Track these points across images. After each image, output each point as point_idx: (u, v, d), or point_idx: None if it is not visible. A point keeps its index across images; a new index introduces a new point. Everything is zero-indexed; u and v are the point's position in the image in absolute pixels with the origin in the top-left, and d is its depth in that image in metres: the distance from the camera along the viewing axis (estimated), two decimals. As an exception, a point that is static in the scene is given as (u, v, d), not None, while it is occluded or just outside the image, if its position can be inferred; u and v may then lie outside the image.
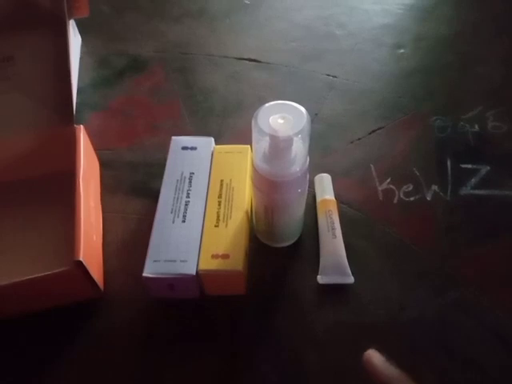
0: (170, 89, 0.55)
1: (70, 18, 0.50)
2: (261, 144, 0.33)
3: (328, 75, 0.55)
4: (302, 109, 0.32)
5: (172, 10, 0.64)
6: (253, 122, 0.32)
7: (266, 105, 0.32)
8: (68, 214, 0.37)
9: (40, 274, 0.34)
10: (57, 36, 0.48)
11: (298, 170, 0.34)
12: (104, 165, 0.47)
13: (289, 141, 0.32)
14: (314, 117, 0.51)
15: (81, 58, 0.58)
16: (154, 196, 0.41)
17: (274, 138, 0.32)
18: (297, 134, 0.32)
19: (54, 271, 0.34)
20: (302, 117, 0.32)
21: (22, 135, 0.43)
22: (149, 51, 0.59)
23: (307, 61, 0.57)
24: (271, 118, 0.32)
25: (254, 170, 0.35)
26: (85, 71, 0.57)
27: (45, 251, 0.40)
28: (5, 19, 0.50)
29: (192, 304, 0.38)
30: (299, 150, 0.34)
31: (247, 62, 0.57)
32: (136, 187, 0.46)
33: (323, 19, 0.62)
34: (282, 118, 0.32)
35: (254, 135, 0.33)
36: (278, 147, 0.33)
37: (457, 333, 0.37)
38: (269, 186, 0.35)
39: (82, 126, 0.43)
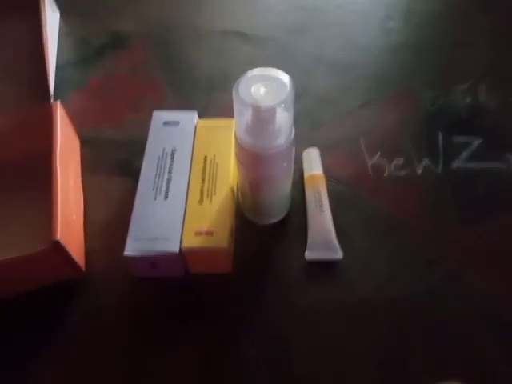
0: (153, 65, 0.53)
1: (45, -9, 0.48)
2: (243, 116, 0.32)
3: (316, 48, 0.54)
4: (285, 77, 0.31)
5: (154, -16, 0.62)
6: (234, 92, 0.30)
7: (248, 74, 0.31)
8: (47, 194, 0.36)
9: (18, 255, 0.33)
10: (31, 11, 0.46)
11: (282, 142, 0.32)
12: (85, 143, 0.46)
13: (271, 111, 0.31)
14: (302, 91, 0.49)
15: (59, 36, 0.56)
16: (136, 174, 0.40)
17: (256, 109, 0.30)
18: (279, 104, 0.30)
19: (32, 251, 0.33)
20: (284, 86, 0.30)
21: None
22: (130, 27, 0.57)
23: (294, 34, 0.55)
24: (253, 87, 0.30)
25: (238, 143, 0.33)
26: (64, 49, 0.55)
27: (24, 233, 0.39)
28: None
29: (177, 283, 0.37)
30: (283, 121, 0.32)
31: (233, 35, 0.55)
32: (118, 165, 0.44)
33: (311, -9, 0.60)
34: (264, 88, 0.30)
35: (236, 107, 0.31)
36: (261, 118, 0.31)
37: (444, 308, 0.36)
38: (253, 160, 0.34)
39: (58, 102, 0.41)
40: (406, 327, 0.35)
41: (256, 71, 0.31)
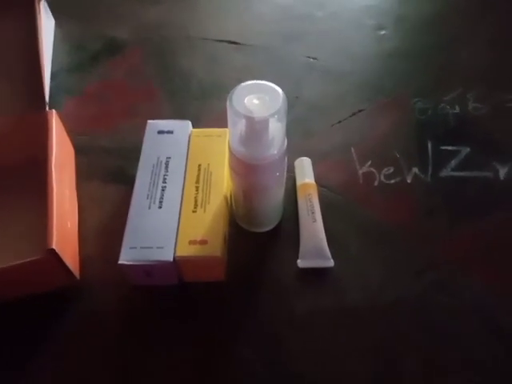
0: (147, 72, 0.53)
1: (40, -1, 0.48)
2: (237, 126, 0.33)
3: (308, 57, 0.54)
4: (278, 89, 0.31)
5: (149, -8, 0.62)
6: (228, 102, 0.31)
7: (242, 85, 0.32)
8: (41, 202, 0.36)
9: (13, 263, 0.33)
10: (27, 18, 0.46)
11: (275, 152, 0.33)
12: (79, 151, 0.46)
13: (265, 122, 0.31)
14: (294, 99, 0.50)
15: (54, 42, 0.56)
16: (130, 182, 0.40)
17: (249, 120, 0.31)
18: (273, 115, 0.31)
19: (27, 260, 0.33)
20: (277, 97, 0.31)
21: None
22: (125, 34, 0.57)
23: (287, 42, 0.56)
24: (246, 98, 0.31)
25: (231, 153, 0.34)
26: (59, 55, 0.55)
27: (18, 240, 0.39)
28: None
29: (171, 291, 0.38)
30: (276, 132, 0.33)
31: (226, 44, 0.56)
32: (112, 173, 0.45)
33: (303, 0, 0.61)
34: (258, 99, 0.31)
35: (230, 117, 0.32)
36: (254, 129, 0.32)
37: (437, 313, 0.37)
38: (246, 170, 0.34)
39: (53, 110, 0.41)
40: (398, 332, 0.36)
41: (249, 82, 0.32)
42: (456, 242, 0.40)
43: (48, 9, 0.56)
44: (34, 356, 0.35)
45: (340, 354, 0.35)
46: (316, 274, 0.38)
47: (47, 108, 0.43)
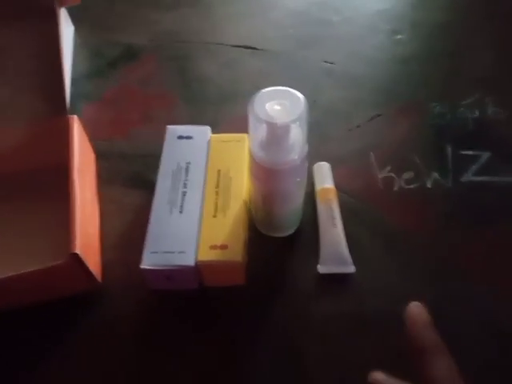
0: (165, 78, 0.54)
1: (61, 7, 0.49)
2: (258, 132, 0.33)
3: (325, 62, 0.54)
4: (300, 95, 0.31)
5: (165, -1, 0.63)
6: (249, 108, 0.31)
7: (263, 91, 0.32)
8: (64, 207, 0.36)
9: (37, 268, 0.33)
10: (48, 26, 0.47)
11: (296, 157, 0.33)
12: (99, 156, 0.46)
13: (286, 128, 0.31)
14: (311, 104, 0.49)
15: (74, 49, 0.57)
16: (150, 187, 0.41)
17: (270, 125, 0.31)
18: (294, 121, 0.31)
19: (51, 264, 0.33)
20: (299, 103, 0.31)
21: (15, 128, 0.43)
22: (142, 40, 0.58)
23: (303, 47, 0.56)
24: (268, 104, 0.31)
25: (252, 158, 0.34)
26: (78, 62, 0.56)
27: (41, 244, 0.39)
28: (-5, 10, 0.49)
29: (191, 295, 0.38)
30: (297, 137, 0.33)
31: (243, 49, 0.56)
32: (132, 178, 0.45)
33: (319, 5, 0.61)
34: (279, 105, 0.31)
35: (251, 122, 0.32)
36: (275, 134, 0.32)
37: (457, 321, 0.36)
38: (266, 175, 0.34)
39: (75, 116, 0.42)
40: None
41: (270, 88, 0.32)
42: (477, 249, 0.40)
43: (68, 16, 0.57)
44: (53, 358, 0.36)
45: (359, 361, 0.35)
46: (336, 280, 0.38)
47: (67, 113, 0.43)
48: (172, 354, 0.35)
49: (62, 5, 0.49)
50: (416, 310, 0.29)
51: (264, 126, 0.32)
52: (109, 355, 0.36)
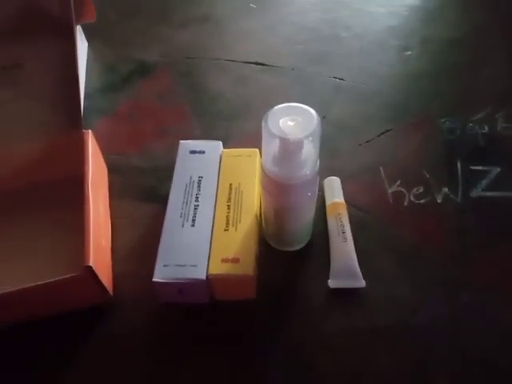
0: (177, 93, 0.55)
1: (77, 24, 0.50)
2: (271, 147, 0.33)
3: (335, 78, 0.55)
4: (313, 111, 0.32)
5: (177, 16, 0.64)
6: (263, 124, 0.32)
7: (276, 107, 0.32)
8: (77, 220, 0.37)
9: (50, 280, 0.33)
10: (64, 41, 0.48)
11: (308, 172, 0.34)
12: (112, 170, 0.47)
13: (299, 143, 0.32)
14: (321, 119, 0.50)
15: (87, 64, 0.58)
16: (162, 200, 0.41)
17: (284, 141, 0.32)
18: (307, 137, 0.31)
19: (64, 277, 0.33)
20: (312, 119, 0.32)
21: (31, 141, 0.43)
22: (155, 56, 0.59)
23: (314, 63, 0.57)
24: (281, 120, 0.31)
25: (264, 172, 0.35)
26: (92, 77, 0.57)
27: (54, 257, 0.39)
28: (13, 26, 0.50)
29: (202, 309, 0.38)
30: (309, 152, 0.33)
31: (254, 65, 0.57)
32: (144, 192, 0.46)
33: (329, 22, 0.62)
34: (292, 121, 0.31)
35: (264, 138, 0.33)
36: (288, 150, 0.32)
37: (470, 336, 0.36)
38: (278, 189, 0.35)
39: (90, 130, 0.43)
40: (431, 356, 0.35)
41: (284, 105, 0.33)
42: (487, 264, 0.40)
43: (82, 31, 0.58)
44: (65, 370, 0.36)
45: (370, 377, 0.35)
46: (347, 294, 0.38)
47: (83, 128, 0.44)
48: (183, 367, 0.35)
49: (77, 22, 0.50)
50: None
51: (277, 141, 0.32)
52: (120, 368, 0.36)
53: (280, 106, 0.32)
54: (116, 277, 0.40)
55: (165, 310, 0.38)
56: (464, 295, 0.38)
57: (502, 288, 0.38)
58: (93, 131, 0.44)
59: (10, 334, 0.37)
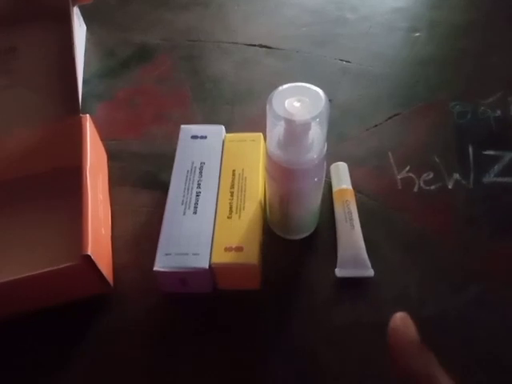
0: (178, 77, 0.53)
1: (73, 5, 0.48)
2: (275, 129, 0.32)
3: (341, 60, 0.53)
4: (320, 91, 0.30)
5: (179, -2, 0.62)
6: (267, 105, 0.30)
7: (281, 87, 0.31)
8: (76, 208, 0.36)
9: (48, 269, 0.32)
10: (61, 25, 0.47)
11: (314, 157, 0.32)
12: (112, 156, 0.46)
13: (306, 125, 0.30)
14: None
15: (86, 49, 0.56)
16: (163, 187, 0.40)
17: (289, 123, 0.30)
18: (314, 118, 0.30)
19: (62, 266, 0.33)
20: (319, 100, 0.30)
21: (28, 128, 0.42)
22: (155, 40, 0.57)
23: (319, 46, 0.55)
24: (287, 101, 0.30)
25: (268, 157, 0.33)
26: (90, 61, 0.55)
27: (53, 247, 0.39)
28: (8, 10, 0.49)
29: (205, 299, 0.37)
30: (316, 135, 0.32)
31: (257, 48, 0.55)
32: (145, 179, 0.44)
33: (335, 3, 0.60)
34: (299, 101, 0.30)
35: (269, 120, 0.31)
36: (294, 132, 0.31)
37: (479, 329, 0.35)
38: (284, 175, 0.33)
39: (87, 115, 0.41)
40: (439, 345, 0.34)
41: (290, 85, 0.31)
42: (499, 253, 0.38)
43: (80, 15, 0.56)
44: (64, 361, 0.35)
45: (377, 368, 0.33)
46: (354, 284, 0.37)
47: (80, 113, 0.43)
48: (185, 358, 0.34)
49: (74, 3, 0.49)
50: (401, 326, 0.24)
51: (282, 123, 0.30)
52: (121, 358, 0.35)
53: (286, 85, 0.31)
54: (116, 267, 0.39)
55: (167, 301, 0.37)
56: (474, 287, 0.37)
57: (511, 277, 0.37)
58: (92, 117, 0.42)
59: (8, 325, 0.36)
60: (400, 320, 0.24)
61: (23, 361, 0.35)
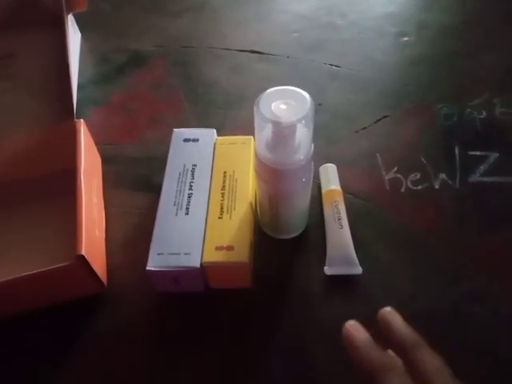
0: (172, 83, 0.54)
1: (68, 13, 0.49)
2: (263, 131, 0.33)
3: (331, 65, 0.54)
4: (306, 94, 0.31)
5: (172, 5, 0.63)
6: (255, 108, 0.31)
7: (268, 91, 0.32)
8: (71, 210, 0.36)
9: (42, 269, 0.33)
10: (56, 32, 0.48)
11: (302, 157, 0.33)
12: (106, 160, 0.47)
13: (292, 127, 0.31)
14: (317, 107, 0.50)
15: (81, 55, 0.58)
16: (156, 190, 0.40)
17: (276, 125, 0.31)
18: (300, 120, 0.31)
19: (56, 266, 0.33)
20: (305, 102, 0.31)
21: (24, 132, 0.43)
22: (149, 46, 0.58)
23: (309, 51, 0.56)
24: (273, 104, 0.31)
25: (257, 158, 0.34)
26: (85, 68, 0.56)
27: (48, 248, 0.39)
28: (5, 17, 0.50)
29: (197, 298, 0.37)
30: (303, 137, 0.33)
31: (249, 53, 0.56)
32: (139, 181, 0.45)
33: (324, 9, 0.61)
34: (285, 104, 0.31)
35: (257, 122, 0.32)
36: (281, 134, 0.32)
37: (470, 324, 0.36)
38: (272, 175, 0.34)
39: (82, 119, 0.42)
40: (431, 343, 0.35)
41: (276, 88, 0.32)
42: (487, 250, 0.39)
43: (74, 22, 0.57)
44: (59, 363, 0.35)
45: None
46: (343, 282, 0.38)
47: (75, 117, 0.44)
48: (179, 357, 0.35)
49: (68, 11, 0.50)
50: (353, 331, 0.27)
51: (270, 125, 0.31)
52: (115, 358, 0.35)
53: (272, 89, 0.32)
54: (111, 268, 0.40)
55: (160, 300, 0.38)
56: (463, 283, 0.38)
57: (500, 275, 0.38)
58: (87, 122, 0.43)
59: (2, 326, 0.37)
60: (351, 327, 0.27)
61: (18, 361, 0.36)
